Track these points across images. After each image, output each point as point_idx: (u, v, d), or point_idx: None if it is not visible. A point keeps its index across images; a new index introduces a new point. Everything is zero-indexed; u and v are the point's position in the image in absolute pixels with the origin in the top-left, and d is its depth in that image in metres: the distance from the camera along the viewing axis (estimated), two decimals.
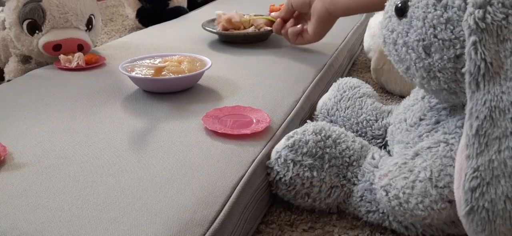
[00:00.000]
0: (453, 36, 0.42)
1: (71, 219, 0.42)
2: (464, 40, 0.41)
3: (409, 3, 0.46)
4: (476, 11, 0.38)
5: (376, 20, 1.03)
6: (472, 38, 0.38)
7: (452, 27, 0.42)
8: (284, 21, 0.88)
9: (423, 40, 0.45)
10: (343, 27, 1.11)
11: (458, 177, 0.39)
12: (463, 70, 0.40)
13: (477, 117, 0.38)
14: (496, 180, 0.37)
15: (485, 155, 0.38)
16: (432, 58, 0.44)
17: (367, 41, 1.03)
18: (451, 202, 0.45)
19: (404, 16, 0.47)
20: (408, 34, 0.46)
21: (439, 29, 0.43)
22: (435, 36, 0.43)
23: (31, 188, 0.47)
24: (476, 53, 0.38)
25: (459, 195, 0.39)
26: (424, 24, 0.44)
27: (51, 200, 0.45)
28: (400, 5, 0.47)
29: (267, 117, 0.61)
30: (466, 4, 0.41)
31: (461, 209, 0.39)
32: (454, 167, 0.45)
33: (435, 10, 0.43)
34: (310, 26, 0.80)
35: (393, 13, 0.48)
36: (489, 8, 0.38)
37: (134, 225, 0.42)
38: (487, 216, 0.38)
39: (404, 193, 0.47)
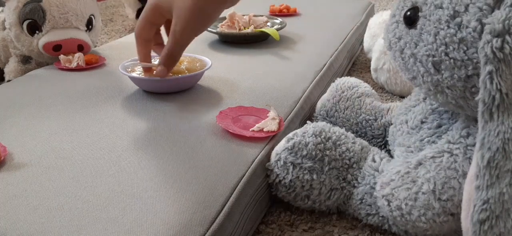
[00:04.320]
0: (466, 57, 0.41)
1: (71, 219, 0.42)
2: (477, 62, 0.40)
3: (420, 14, 0.44)
4: (494, 40, 0.36)
5: (376, 20, 1.03)
6: (488, 67, 0.36)
7: (465, 48, 0.40)
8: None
9: (433, 56, 0.43)
10: (343, 27, 1.11)
11: (466, 208, 0.38)
12: (476, 98, 0.38)
13: (489, 148, 0.37)
14: (506, 213, 0.36)
15: (495, 187, 0.36)
16: (442, 75, 0.43)
17: (367, 41, 1.03)
18: (454, 215, 0.45)
19: (413, 26, 0.45)
20: (417, 46, 0.44)
21: (451, 47, 0.41)
22: (447, 55, 0.42)
23: (31, 188, 0.47)
24: (491, 83, 0.36)
25: (466, 226, 0.38)
26: (435, 40, 0.42)
27: (51, 200, 0.45)
28: (409, 13, 0.45)
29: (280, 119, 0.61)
30: (482, 26, 0.39)
31: None
32: (458, 179, 0.45)
33: (448, 27, 0.41)
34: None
35: (401, 19, 0.46)
36: (507, 37, 0.36)
37: (134, 225, 0.42)
38: None
39: (406, 204, 0.46)
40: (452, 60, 0.42)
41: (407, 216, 0.46)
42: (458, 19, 0.41)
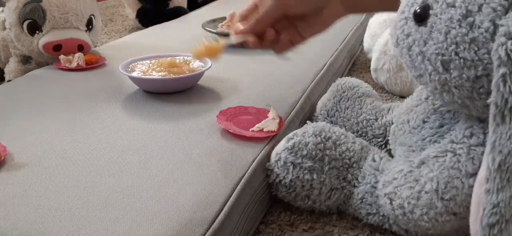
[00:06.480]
0: (476, 58, 0.40)
1: (71, 219, 0.42)
2: (487, 63, 0.40)
3: (431, 11, 0.43)
4: (509, 42, 0.36)
5: (376, 20, 1.03)
6: (502, 70, 0.36)
7: (476, 48, 0.40)
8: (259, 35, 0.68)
9: (443, 55, 0.42)
10: (343, 27, 1.11)
11: (475, 211, 0.38)
12: (488, 101, 0.38)
13: (500, 151, 0.36)
14: None
15: (506, 191, 0.36)
16: (450, 74, 0.42)
17: (367, 41, 1.03)
18: (456, 214, 0.45)
19: (423, 23, 0.44)
20: (426, 44, 0.44)
21: (462, 47, 0.41)
22: (457, 54, 0.41)
23: (31, 188, 0.47)
24: (504, 85, 0.36)
25: (475, 229, 0.38)
26: (446, 39, 0.42)
27: (51, 200, 0.45)
28: (419, 10, 0.44)
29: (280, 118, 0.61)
30: (495, 27, 0.38)
31: None
32: (461, 179, 0.44)
33: (460, 27, 0.41)
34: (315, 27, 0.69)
35: (410, 15, 0.46)
36: None
37: (134, 225, 0.42)
38: None
39: (409, 203, 0.46)
40: (462, 60, 0.41)
41: (409, 215, 0.46)
42: (470, 19, 0.40)
